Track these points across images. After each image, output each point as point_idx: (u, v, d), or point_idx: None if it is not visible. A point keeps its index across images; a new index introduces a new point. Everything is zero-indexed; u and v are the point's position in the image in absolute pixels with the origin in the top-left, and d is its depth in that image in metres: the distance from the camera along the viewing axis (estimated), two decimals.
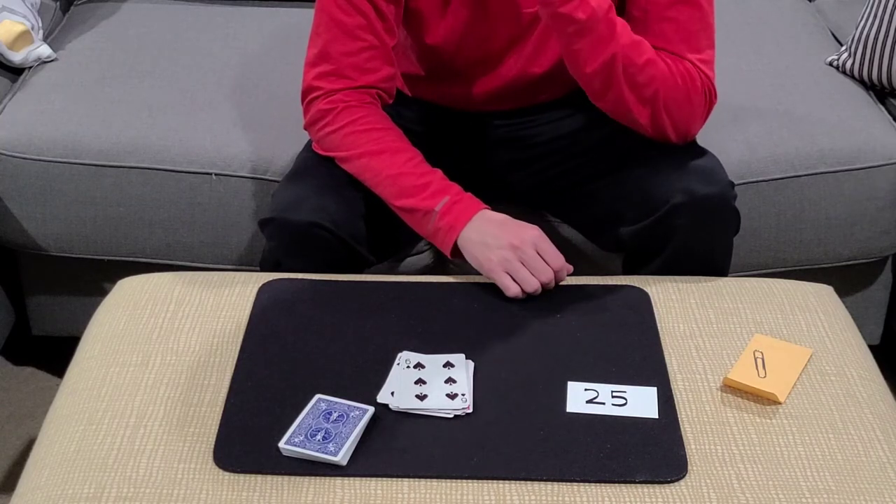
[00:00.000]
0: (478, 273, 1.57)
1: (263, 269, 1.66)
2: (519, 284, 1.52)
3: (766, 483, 1.26)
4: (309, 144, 1.74)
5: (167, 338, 1.47)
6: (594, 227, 1.77)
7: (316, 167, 1.66)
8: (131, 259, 1.98)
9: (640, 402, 1.36)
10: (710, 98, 1.62)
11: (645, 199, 1.60)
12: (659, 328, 1.49)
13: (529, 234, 1.54)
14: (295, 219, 1.58)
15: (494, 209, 1.85)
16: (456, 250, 1.57)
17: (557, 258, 1.54)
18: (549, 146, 1.79)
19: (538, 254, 1.53)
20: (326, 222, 1.57)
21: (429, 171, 1.60)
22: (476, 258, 1.55)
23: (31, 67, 2.15)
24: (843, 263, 2.00)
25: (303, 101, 1.68)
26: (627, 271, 1.71)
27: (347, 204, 1.61)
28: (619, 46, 1.53)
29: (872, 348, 1.62)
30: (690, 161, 1.61)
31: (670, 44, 1.59)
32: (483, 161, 1.82)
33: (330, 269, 1.61)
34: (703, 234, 1.60)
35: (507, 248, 1.52)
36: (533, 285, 1.52)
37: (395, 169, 1.59)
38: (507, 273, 1.53)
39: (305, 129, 1.69)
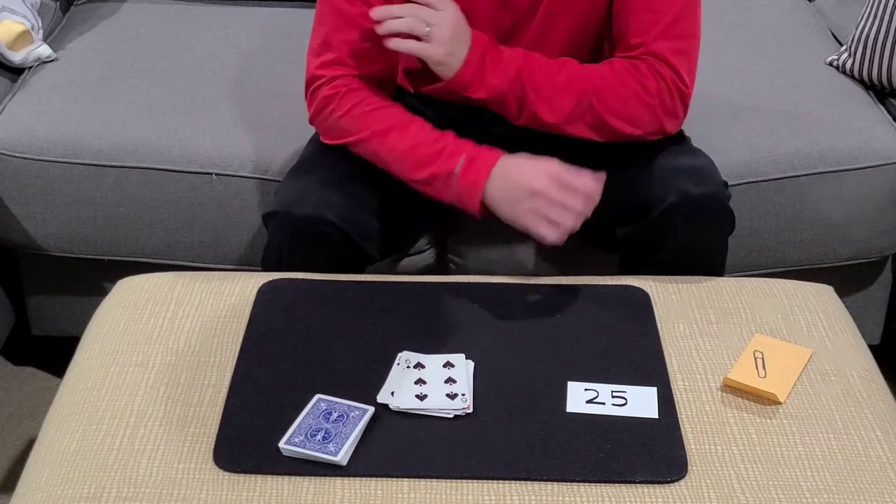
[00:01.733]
0: (478, 273, 1.57)
1: (265, 264, 1.66)
2: (556, 227, 1.52)
3: (766, 483, 1.26)
4: (313, 139, 1.74)
5: (167, 338, 1.47)
6: (591, 227, 1.77)
7: (320, 162, 1.66)
8: (131, 259, 1.98)
9: (640, 402, 1.36)
10: (676, 89, 1.62)
11: (639, 201, 1.60)
12: (659, 328, 1.49)
13: (549, 173, 1.53)
14: (298, 212, 1.58)
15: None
16: (485, 209, 1.57)
17: (584, 184, 1.53)
18: (547, 147, 1.78)
19: (564, 187, 1.52)
20: (330, 216, 1.57)
21: (440, 136, 1.60)
22: (505, 216, 1.55)
23: (31, 67, 2.15)
24: (843, 263, 2.00)
25: (307, 91, 1.67)
26: (624, 272, 1.71)
27: (351, 199, 1.61)
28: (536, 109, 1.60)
29: (872, 348, 1.62)
30: (684, 162, 1.62)
31: (648, 32, 1.61)
32: None
33: (332, 265, 1.61)
34: (698, 235, 1.60)
35: (532, 197, 1.52)
36: (568, 221, 1.51)
37: (408, 142, 1.59)
38: (542, 220, 1.52)
39: (312, 121, 1.69)
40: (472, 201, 1.56)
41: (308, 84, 1.67)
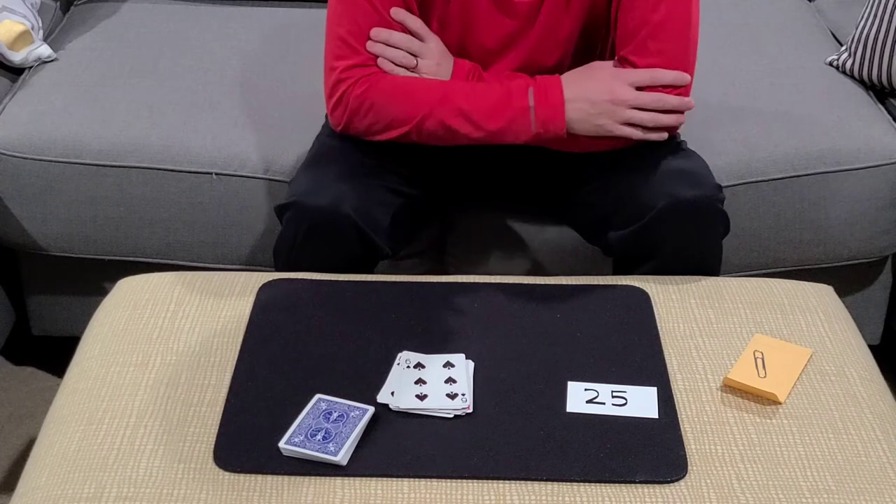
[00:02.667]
0: (477, 273, 1.57)
1: (277, 257, 1.66)
2: (646, 126, 1.61)
3: (766, 483, 1.26)
4: (322, 134, 1.74)
5: (167, 338, 1.47)
6: (589, 230, 1.77)
7: (333, 155, 1.66)
8: (131, 259, 1.98)
9: (640, 402, 1.36)
10: None
11: (632, 204, 1.61)
12: (659, 328, 1.49)
13: (612, 80, 1.59)
14: (314, 203, 1.57)
15: (491, 210, 1.84)
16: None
17: (647, 77, 1.60)
18: (540, 154, 1.78)
19: (633, 87, 1.59)
20: (345, 209, 1.57)
21: (496, 79, 1.64)
22: (587, 131, 1.61)
23: (31, 67, 2.15)
24: (843, 263, 2.00)
25: (332, 98, 1.64)
26: (618, 275, 1.71)
27: (365, 192, 1.61)
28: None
29: (872, 348, 1.62)
30: (675, 165, 1.62)
31: (627, 39, 1.63)
32: (480, 162, 1.82)
33: (343, 259, 1.60)
34: (691, 238, 1.60)
35: (610, 110, 1.59)
36: (652, 118, 1.60)
37: (470, 98, 1.61)
38: (625, 124, 1.60)
39: (346, 127, 1.64)
40: (557, 128, 1.60)
41: (333, 90, 1.64)
